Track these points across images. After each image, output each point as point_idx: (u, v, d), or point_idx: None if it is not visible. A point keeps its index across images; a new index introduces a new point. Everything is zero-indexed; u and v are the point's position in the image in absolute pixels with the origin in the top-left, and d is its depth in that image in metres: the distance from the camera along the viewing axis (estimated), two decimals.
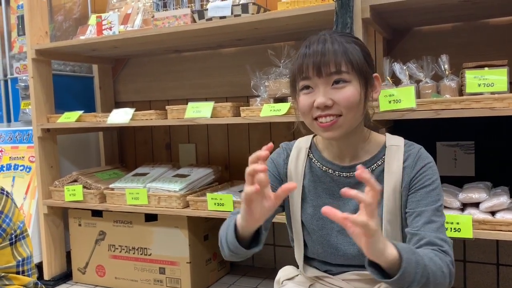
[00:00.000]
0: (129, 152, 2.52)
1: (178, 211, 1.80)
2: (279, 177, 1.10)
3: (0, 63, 2.30)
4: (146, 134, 2.47)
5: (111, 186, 1.98)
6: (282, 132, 2.11)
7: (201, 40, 1.95)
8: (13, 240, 0.94)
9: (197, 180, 1.93)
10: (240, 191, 1.82)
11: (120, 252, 2.00)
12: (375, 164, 1.04)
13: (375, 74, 1.03)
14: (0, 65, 2.29)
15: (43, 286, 1.01)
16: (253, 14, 1.67)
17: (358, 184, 1.05)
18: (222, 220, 2.06)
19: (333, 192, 1.06)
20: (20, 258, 0.94)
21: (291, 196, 1.10)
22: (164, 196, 1.83)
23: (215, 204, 1.72)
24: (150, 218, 1.92)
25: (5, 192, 0.96)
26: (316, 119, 0.98)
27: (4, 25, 2.29)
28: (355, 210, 1.03)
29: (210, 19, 1.73)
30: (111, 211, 1.96)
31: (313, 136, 1.13)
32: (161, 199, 1.84)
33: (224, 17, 1.70)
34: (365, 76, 0.98)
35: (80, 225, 2.08)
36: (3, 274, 0.91)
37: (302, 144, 1.13)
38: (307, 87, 0.97)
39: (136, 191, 1.88)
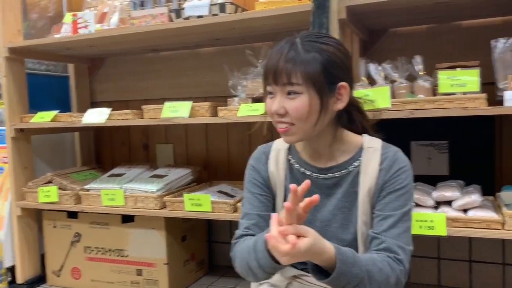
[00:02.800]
0: (105, 152, 2.49)
1: (155, 212, 1.78)
2: (264, 183, 1.10)
3: None
4: (123, 135, 2.44)
5: (86, 187, 1.95)
6: (260, 133, 2.11)
7: (178, 39, 1.94)
8: None
9: (175, 181, 1.92)
10: (218, 191, 1.82)
11: (96, 254, 1.97)
12: (352, 166, 1.05)
13: (341, 83, 0.99)
14: None
15: None
16: (230, 13, 1.66)
17: (335, 186, 1.06)
18: (199, 221, 2.05)
19: (310, 194, 1.06)
20: None
21: (276, 198, 1.10)
22: (141, 197, 1.81)
23: (192, 204, 1.71)
24: (127, 219, 1.90)
25: None
26: (276, 123, 1.00)
27: None
28: (333, 212, 1.04)
29: (188, 18, 1.72)
30: (87, 212, 1.93)
31: None
32: (137, 200, 1.82)
33: (201, 17, 1.69)
34: (320, 87, 0.96)
35: (55, 227, 2.04)
36: None
37: (280, 145, 1.13)
38: (270, 92, 0.99)
39: (112, 192, 1.85)
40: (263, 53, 1.76)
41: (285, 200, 1.09)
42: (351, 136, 1.09)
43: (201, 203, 1.70)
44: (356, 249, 1.02)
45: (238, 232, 1.08)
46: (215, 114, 1.74)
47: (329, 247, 0.85)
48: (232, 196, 1.78)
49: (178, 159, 2.32)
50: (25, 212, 2.03)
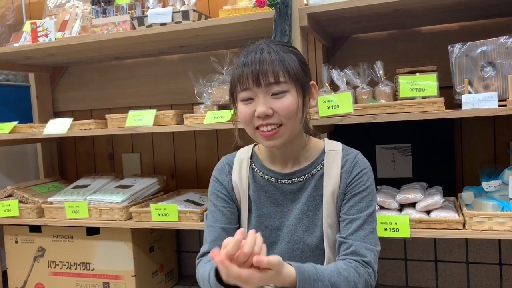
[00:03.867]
0: (69, 163, 2.42)
1: (121, 223, 1.75)
2: (228, 194, 1.10)
3: None
4: (87, 144, 2.38)
5: (49, 199, 1.89)
6: (228, 139, 2.10)
7: (141, 47, 1.91)
8: None
9: (141, 191, 1.88)
10: (186, 200, 1.80)
11: (61, 268, 1.91)
12: (315, 169, 1.06)
13: (312, 82, 1.05)
14: None
15: None
16: (194, 21, 1.65)
17: (299, 190, 1.06)
18: (167, 231, 2.02)
19: (276, 200, 1.07)
20: None
21: (241, 209, 1.09)
22: (105, 208, 1.77)
23: (159, 215, 1.68)
24: (92, 231, 1.85)
25: None
26: (258, 128, 0.99)
27: None
28: (298, 216, 1.05)
29: (150, 25, 1.70)
30: (50, 226, 1.87)
31: (254, 146, 1.14)
32: (102, 212, 1.77)
33: (164, 24, 1.67)
34: (302, 85, 1.00)
35: (16, 241, 1.96)
36: None
37: (243, 154, 1.13)
38: (247, 98, 0.98)
39: (76, 204, 1.80)
40: (228, 60, 1.75)
41: (249, 209, 1.08)
42: (313, 141, 1.11)
43: (168, 213, 1.67)
44: (323, 252, 1.03)
45: (202, 249, 1.07)
46: (181, 122, 1.72)
47: (289, 269, 0.84)
48: (200, 205, 1.76)
49: (145, 168, 2.28)
50: None
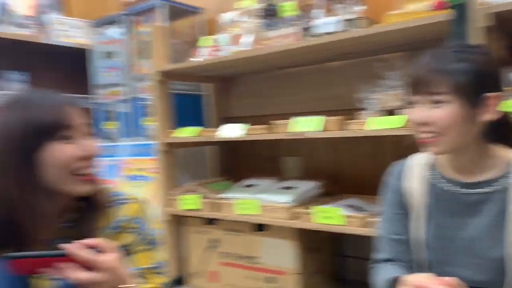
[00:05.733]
0: (237, 164, 2.65)
1: (287, 222, 1.85)
2: (400, 200, 1.10)
3: (126, 84, 2.57)
4: (252, 148, 2.58)
5: (223, 196, 2.10)
6: (391, 146, 2.07)
7: (308, 56, 2.01)
8: (150, 244, 1.05)
9: (305, 193, 1.97)
10: (349, 205, 1.82)
11: (231, 259, 2.10)
12: (500, 182, 0.99)
13: (489, 94, 0.95)
14: (126, 86, 2.57)
15: (175, 286, 1.11)
16: (362, 28, 1.68)
17: (480, 203, 1.00)
18: (328, 234, 2.06)
19: (453, 210, 1.03)
20: (157, 261, 1.05)
21: (413, 217, 1.08)
22: (273, 207, 1.90)
23: (322, 217, 1.74)
24: (259, 228, 2.00)
25: (143, 201, 1.08)
26: (420, 133, 0.99)
27: (129, 50, 2.57)
28: (479, 229, 0.99)
29: (319, 35, 1.77)
30: (223, 220, 2.08)
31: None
32: (270, 210, 1.91)
33: (332, 33, 1.73)
34: (471, 97, 0.94)
35: (194, 232, 2.23)
36: (144, 273, 1.02)
37: (417, 161, 1.12)
38: (413, 102, 0.99)
39: (246, 201, 1.97)
40: (394, 65, 1.73)
41: (424, 218, 1.06)
42: (498, 151, 1.03)
43: (332, 216, 1.72)
44: (503, 271, 0.96)
45: (375, 256, 1.10)
46: (345, 128, 1.75)
47: None
48: (363, 211, 1.77)
49: (305, 172, 2.37)
50: (169, 217, 2.26)
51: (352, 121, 1.71)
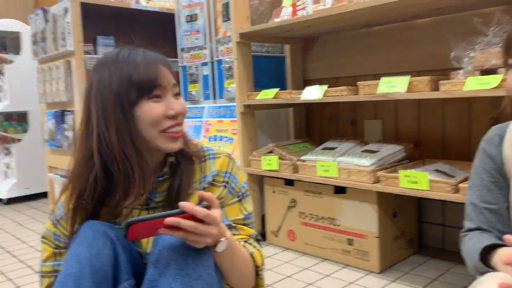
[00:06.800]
0: (315, 127, 2.64)
1: (368, 186, 1.83)
2: (496, 168, 1.02)
3: (208, 47, 2.62)
4: (332, 110, 2.54)
5: (302, 158, 2.12)
6: (483, 109, 1.93)
7: (394, 12, 1.90)
8: (240, 197, 1.10)
9: (387, 157, 1.92)
10: (435, 170, 1.75)
11: (310, 220, 2.13)
12: None
13: None
14: (208, 49, 2.62)
15: (261, 239, 1.16)
16: None
17: None
18: (409, 199, 2.00)
19: None
20: (245, 213, 1.10)
21: (510, 183, 1.01)
22: (354, 170, 1.88)
23: (408, 182, 1.69)
24: (339, 190, 1.99)
25: (231, 157, 1.12)
26: None
27: (211, 13, 2.60)
28: None
29: None
30: (303, 181, 2.10)
31: None
32: (351, 173, 1.89)
33: None
34: None
35: (274, 192, 2.28)
36: (233, 224, 1.07)
37: None
38: (510, 65, 0.90)
39: (326, 163, 1.97)
40: (495, 19, 1.58)
41: None
42: None
43: (418, 181, 1.66)
44: None
45: (466, 225, 1.05)
46: (435, 88, 1.66)
47: None
48: (451, 176, 1.69)
49: (387, 135, 2.30)
50: (250, 177, 2.33)
51: (444, 81, 1.60)
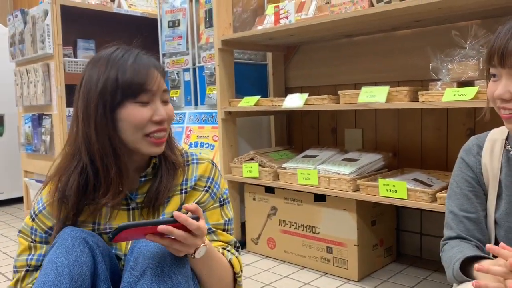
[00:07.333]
0: (296, 134, 2.65)
1: (348, 194, 1.84)
2: (475, 177, 1.05)
3: (190, 53, 2.62)
4: (313, 118, 2.56)
5: (283, 165, 2.12)
6: (460, 119, 1.97)
7: (376, 23, 1.93)
8: (222, 202, 1.10)
9: (367, 165, 1.94)
10: (414, 179, 1.77)
11: (290, 227, 2.13)
12: None
13: None
14: (190, 55, 2.61)
15: (240, 246, 1.15)
16: None
17: None
18: (388, 208, 2.03)
19: None
20: (226, 218, 1.10)
21: (488, 192, 1.04)
22: (334, 178, 1.89)
23: (387, 190, 1.71)
24: (319, 198, 2.00)
25: (213, 163, 1.12)
26: (499, 108, 0.92)
27: (194, 19, 2.59)
28: None
29: (389, 1, 1.69)
30: (283, 188, 2.10)
31: None
32: (331, 181, 1.90)
33: None
34: None
35: (254, 199, 2.28)
36: (213, 229, 1.07)
37: (496, 135, 1.05)
38: (493, 75, 0.92)
39: (307, 171, 1.97)
40: (472, 33, 1.62)
41: (498, 196, 1.01)
42: None
43: (397, 190, 1.68)
44: None
45: (447, 233, 1.07)
46: (414, 99, 1.68)
47: None
48: (429, 185, 1.71)
49: (367, 144, 2.33)
50: (230, 184, 2.32)
51: (423, 92, 1.63)
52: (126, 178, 0.97)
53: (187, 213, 0.89)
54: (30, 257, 1.02)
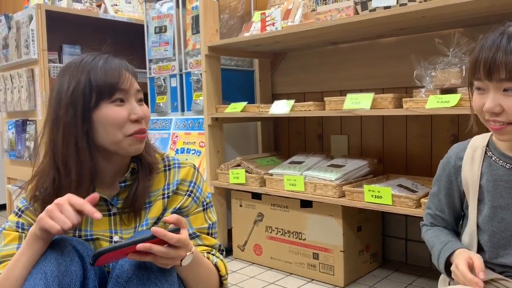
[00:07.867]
0: (283, 141, 2.66)
1: (334, 200, 1.85)
2: (456, 181, 1.08)
3: (177, 59, 2.61)
4: (299, 125, 2.57)
5: (270, 171, 2.12)
6: (443, 126, 2.00)
7: (361, 31, 1.95)
8: (205, 206, 1.10)
9: (352, 171, 1.95)
10: (398, 185, 1.79)
11: (276, 234, 2.13)
12: None
13: None
14: (177, 61, 2.61)
15: (224, 250, 1.15)
16: (420, 2, 1.61)
17: None
18: (373, 214, 2.04)
19: None
20: (210, 222, 1.10)
21: (471, 199, 1.06)
22: (320, 184, 1.90)
23: (372, 196, 1.72)
24: (305, 204, 2.01)
25: (196, 167, 1.12)
26: (487, 121, 0.94)
27: (180, 25, 2.59)
28: None
29: (374, 9, 1.72)
30: (270, 195, 2.10)
31: (492, 134, 1.07)
32: (317, 187, 1.91)
33: (388, 7, 1.67)
34: None
35: (241, 205, 2.27)
36: (198, 233, 1.06)
37: (478, 142, 1.07)
38: (478, 88, 0.93)
39: (293, 177, 1.98)
40: (455, 41, 1.66)
41: (479, 200, 1.03)
42: None
43: (382, 196, 1.70)
44: None
45: (425, 220, 1.19)
46: (398, 106, 1.71)
47: None
48: (413, 191, 1.73)
49: (352, 150, 2.34)
50: (217, 190, 2.31)
51: (407, 99, 1.66)
52: (101, 183, 0.97)
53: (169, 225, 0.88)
54: (20, 246, 1.00)
